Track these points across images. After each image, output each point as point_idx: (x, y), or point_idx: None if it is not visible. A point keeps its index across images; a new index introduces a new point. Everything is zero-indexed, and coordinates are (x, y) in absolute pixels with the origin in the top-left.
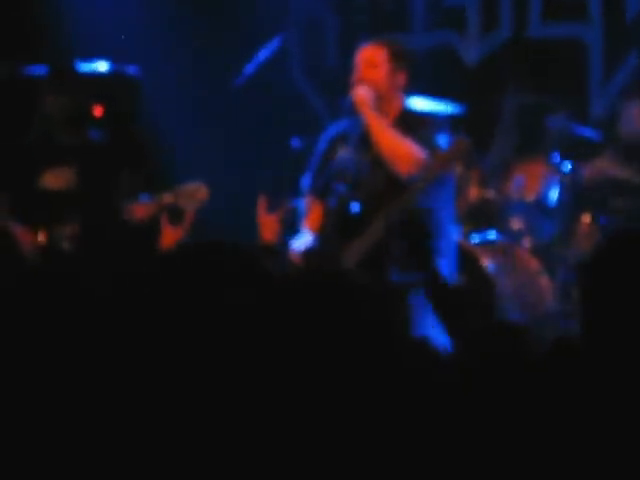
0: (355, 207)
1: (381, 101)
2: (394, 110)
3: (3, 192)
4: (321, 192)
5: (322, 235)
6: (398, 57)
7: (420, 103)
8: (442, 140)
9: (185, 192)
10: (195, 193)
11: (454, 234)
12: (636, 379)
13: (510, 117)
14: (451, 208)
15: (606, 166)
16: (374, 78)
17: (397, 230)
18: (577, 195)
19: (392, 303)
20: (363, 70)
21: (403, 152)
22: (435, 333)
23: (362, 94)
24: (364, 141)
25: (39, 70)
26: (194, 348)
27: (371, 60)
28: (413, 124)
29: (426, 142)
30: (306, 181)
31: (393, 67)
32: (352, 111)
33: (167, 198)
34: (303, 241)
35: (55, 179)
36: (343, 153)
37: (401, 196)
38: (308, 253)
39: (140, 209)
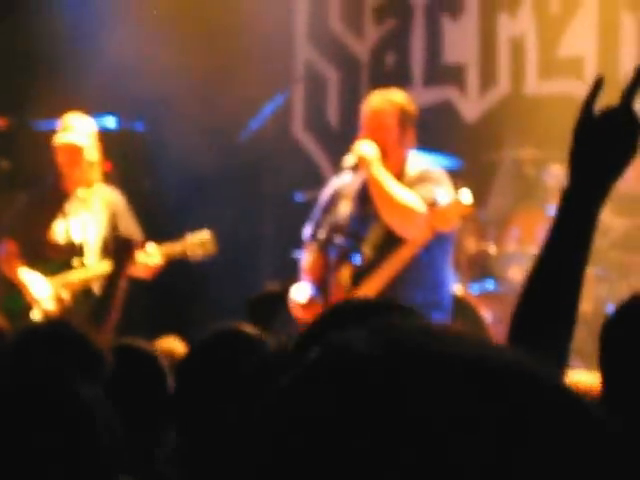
0: (356, 259)
1: (385, 157)
2: (396, 165)
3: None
4: (322, 244)
5: (323, 287)
6: (407, 116)
7: (420, 158)
8: (443, 196)
9: (193, 242)
10: (203, 243)
11: (450, 286)
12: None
13: (506, 171)
14: (448, 261)
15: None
16: (385, 138)
17: (396, 281)
18: None
19: None
20: (374, 129)
21: (403, 208)
22: None
23: (365, 150)
24: (365, 195)
25: (50, 124)
26: None
27: (381, 120)
28: (413, 180)
29: (426, 198)
30: (307, 233)
31: (403, 127)
32: (354, 166)
33: (176, 247)
34: (303, 292)
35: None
36: (344, 206)
37: (401, 250)
38: (309, 304)
39: (151, 259)
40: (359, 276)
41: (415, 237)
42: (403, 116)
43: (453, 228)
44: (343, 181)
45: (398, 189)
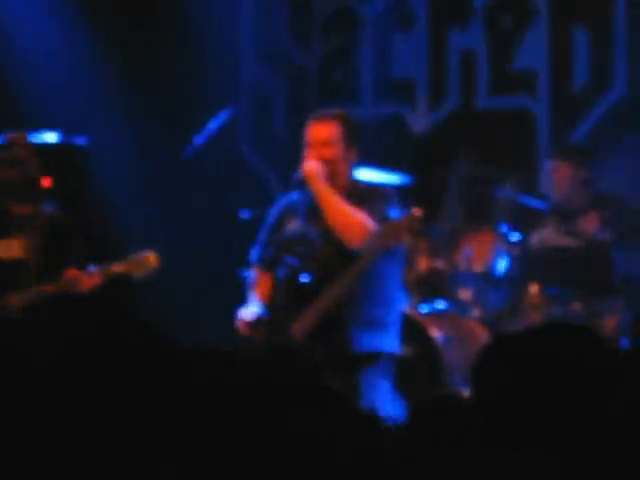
0: (305, 278)
1: (332, 175)
2: (343, 182)
3: None
4: (270, 263)
5: (270, 305)
6: (351, 133)
7: (368, 174)
8: (393, 211)
9: (136, 261)
10: (146, 262)
11: (401, 304)
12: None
13: (458, 188)
14: (399, 278)
15: (547, 236)
16: (329, 156)
17: (347, 300)
18: (525, 265)
19: (342, 373)
20: (317, 147)
21: (353, 224)
22: (387, 403)
23: (312, 168)
24: (314, 213)
25: None
26: (136, 421)
27: (325, 138)
28: (362, 196)
29: (376, 213)
30: (255, 253)
31: (346, 144)
32: (302, 184)
33: (118, 267)
34: (251, 310)
35: (6, 249)
36: (293, 225)
37: (351, 267)
38: (256, 322)
39: (89, 279)
40: (308, 295)
41: (366, 252)
42: (348, 132)
43: (404, 242)
44: (291, 199)
45: (345, 205)
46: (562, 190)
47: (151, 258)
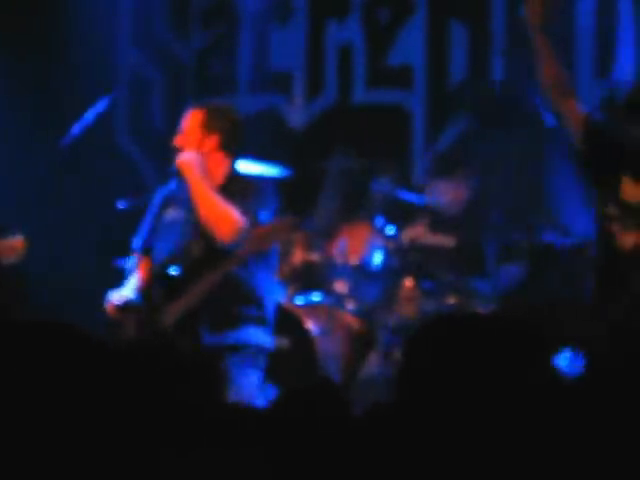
0: (174, 270)
1: (205, 165)
2: (221, 174)
3: None
4: (148, 252)
5: (143, 292)
6: (209, 120)
7: (247, 166)
8: (264, 213)
9: (4, 245)
10: (12, 245)
11: (272, 299)
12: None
13: (334, 181)
14: (269, 274)
15: (419, 233)
16: (185, 144)
17: (212, 295)
18: (400, 259)
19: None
20: (178, 137)
21: (224, 219)
22: (256, 393)
23: (186, 159)
24: (189, 204)
25: None
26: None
27: (185, 126)
28: (240, 189)
29: (250, 211)
30: (137, 240)
31: (203, 131)
32: (179, 174)
33: None
34: (121, 294)
35: None
36: (170, 215)
37: (219, 264)
38: (124, 306)
39: None
40: (176, 287)
41: (234, 254)
42: (205, 121)
43: (271, 247)
44: (172, 187)
45: (217, 199)
46: (454, 204)
47: (18, 242)
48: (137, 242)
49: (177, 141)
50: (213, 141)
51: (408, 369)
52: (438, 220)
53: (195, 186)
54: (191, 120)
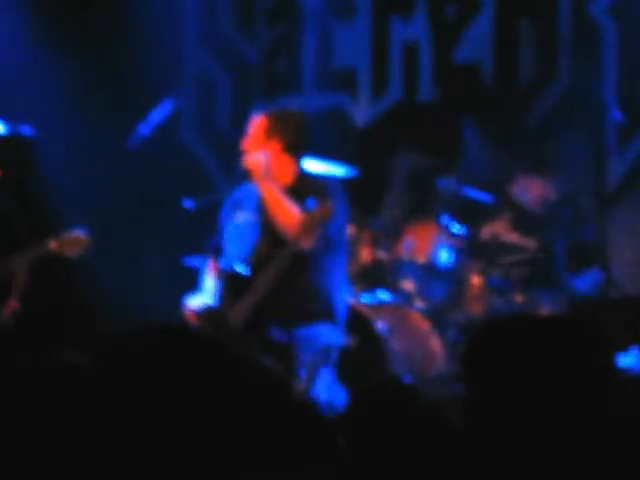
0: (241, 269)
1: (272, 166)
2: (289, 175)
3: None
4: (218, 254)
5: (217, 294)
6: (273, 125)
7: (315, 166)
8: (309, 202)
9: (68, 239)
10: (77, 240)
11: (344, 297)
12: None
13: (400, 179)
14: (341, 272)
15: (500, 230)
16: (249, 148)
17: (283, 293)
18: (467, 257)
19: (274, 361)
20: (257, 138)
21: (290, 217)
22: (328, 392)
23: (254, 160)
24: (258, 205)
25: None
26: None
27: (250, 131)
28: (308, 188)
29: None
30: (211, 242)
31: (267, 136)
32: (247, 176)
33: (52, 244)
34: (199, 300)
35: None
36: (239, 217)
37: (276, 259)
38: (202, 311)
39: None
40: (244, 286)
41: (287, 246)
42: (269, 124)
43: (315, 235)
44: (244, 189)
45: (284, 199)
46: (533, 200)
47: (82, 237)
48: (210, 245)
49: (244, 144)
50: (277, 145)
51: (470, 368)
52: (521, 218)
53: (263, 187)
54: (256, 125)
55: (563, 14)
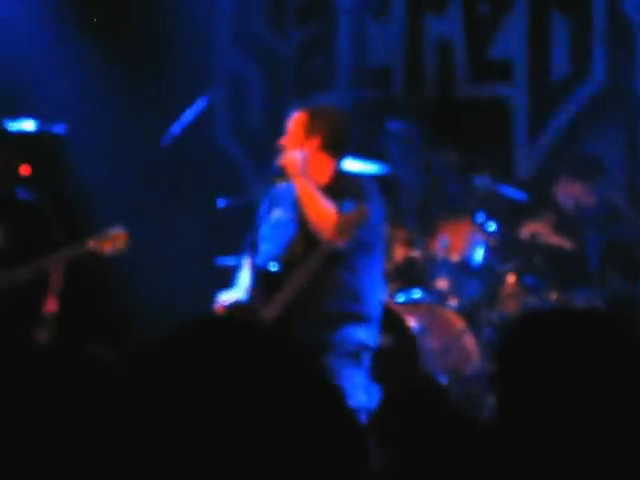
0: (274, 267)
1: (309, 165)
2: (326, 174)
3: None
4: (254, 252)
5: (248, 291)
6: (312, 122)
7: (352, 164)
8: (346, 205)
9: (107, 237)
10: (117, 238)
11: (379, 297)
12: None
13: (436, 177)
14: (376, 271)
15: (540, 230)
16: (288, 145)
17: (312, 290)
18: (502, 255)
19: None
20: (294, 137)
21: (325, 216)
22: (360, 392)
23: (291, 158)
24: (292, 203)
25: None
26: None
27: (290, 128)
28: (345, 187)
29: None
30: (247, 240)
31: (306, 133)
32: (282, 174)
33: (90, 244)
34: (230, 295)
35: None
36: (274, 215)
37: (310, 258)
38: (233, 307)
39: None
40: (276, 284)
41: (321, 245)
42: (309, 121)
43: (351, 237)
44: (281, 187)
45: (320, 197)
46: (574, 203)
47: (121, 235)
48: (247, 243)
49: (281, 142)
50: (315, 142)
51: (503, 366)
52: (564, 221)
53: (299, 184)
54: (294, 122)
55: (597, 10)
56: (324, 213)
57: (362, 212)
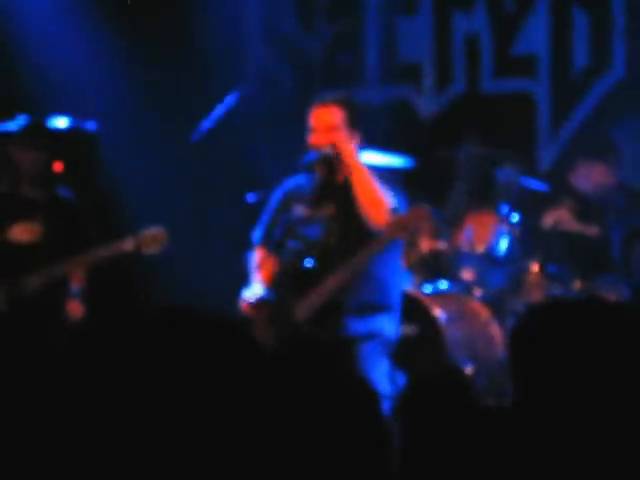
0: (309, 263)
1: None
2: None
3: None
4: (274, 246)
5: (274, 288)
6: (354, 118)
7: (373, 157)
8: (401, 203)
9: (146, 237)
10: (156, 237)
11: (399, 288)
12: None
13: (464, 170)
14: (397, 263)
15: (562, 218)
16: (333, 141)
17: (349, 286)
18: (526, 245)
19: (342, 355)
20: (321, 132)
21: (380, 202)
22: (385, 381)
23: (348, 148)
24: (320, 198)
25: (10, 126)
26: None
27: (329, 122)
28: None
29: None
30: (257, 234)
31: (350, 129)
32: (310, 167)
33: (129, 243)
34: (254, 292)
35: (23, 232)
36: (298, 209)
37: (354, 254)
38: (259, 303)
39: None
40: (311, 280)
41: (373, 241)
42: (351, 119)
43: (408, 237)
44: (297, 182)
45: (373, 182)
46: (594, 187)
47: (160, 234)
48: (257, 235)
49: (323, 136)
50: (357, 139)
51: (516, 356)
52: (582, 206)
53: (355, 171)
54: (336, 117)
55: (616, 4)
56: (377, 199)
57: (422, 213)
